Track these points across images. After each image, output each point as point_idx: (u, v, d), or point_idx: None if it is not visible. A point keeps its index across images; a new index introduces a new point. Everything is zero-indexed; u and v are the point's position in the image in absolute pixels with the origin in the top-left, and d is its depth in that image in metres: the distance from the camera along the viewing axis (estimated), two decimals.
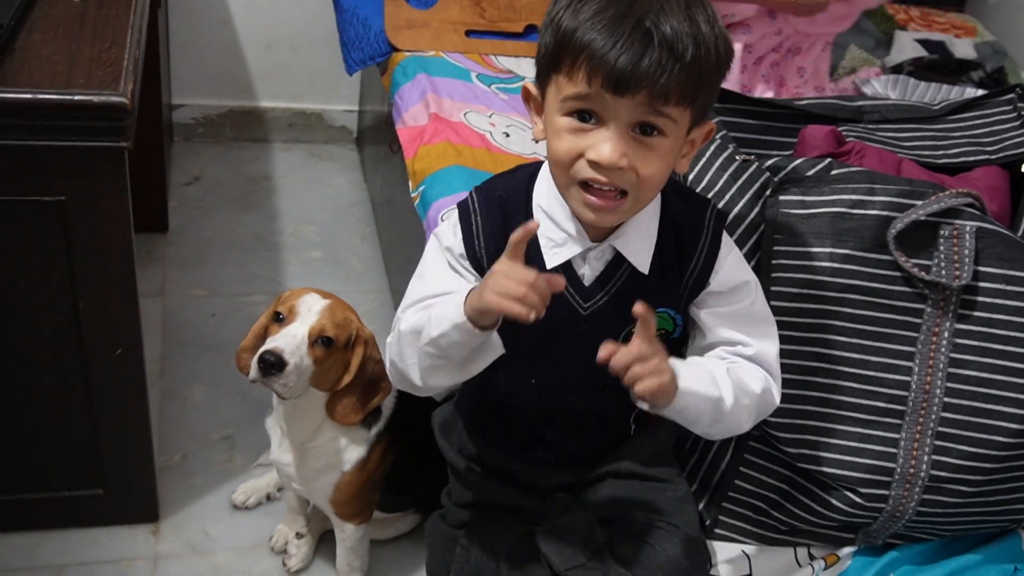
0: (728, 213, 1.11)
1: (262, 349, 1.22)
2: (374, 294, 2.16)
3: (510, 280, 0.87)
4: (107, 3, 1.33)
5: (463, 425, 1.21)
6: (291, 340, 1.23)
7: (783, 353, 1.10)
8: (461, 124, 1.78)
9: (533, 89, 0.97)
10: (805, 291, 1.12)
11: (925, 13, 2.47)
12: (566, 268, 1.00)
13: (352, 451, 1.38)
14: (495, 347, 0.97)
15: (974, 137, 1.34)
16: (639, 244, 0.99)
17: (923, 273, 1.10)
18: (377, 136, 2.36)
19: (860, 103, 1.40)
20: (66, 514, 1.58)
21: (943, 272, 1.10)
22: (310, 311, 1.27)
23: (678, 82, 0.87)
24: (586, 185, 0.92)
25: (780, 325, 1.10)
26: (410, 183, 1.72)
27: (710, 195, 1.18)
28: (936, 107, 1.39)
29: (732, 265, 1.03)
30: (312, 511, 1.62)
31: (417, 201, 1.67)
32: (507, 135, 1.79)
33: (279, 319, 1.28)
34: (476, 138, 1.75)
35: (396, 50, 2.00)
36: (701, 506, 1.26)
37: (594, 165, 0.90)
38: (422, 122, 1.79)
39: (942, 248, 1.10)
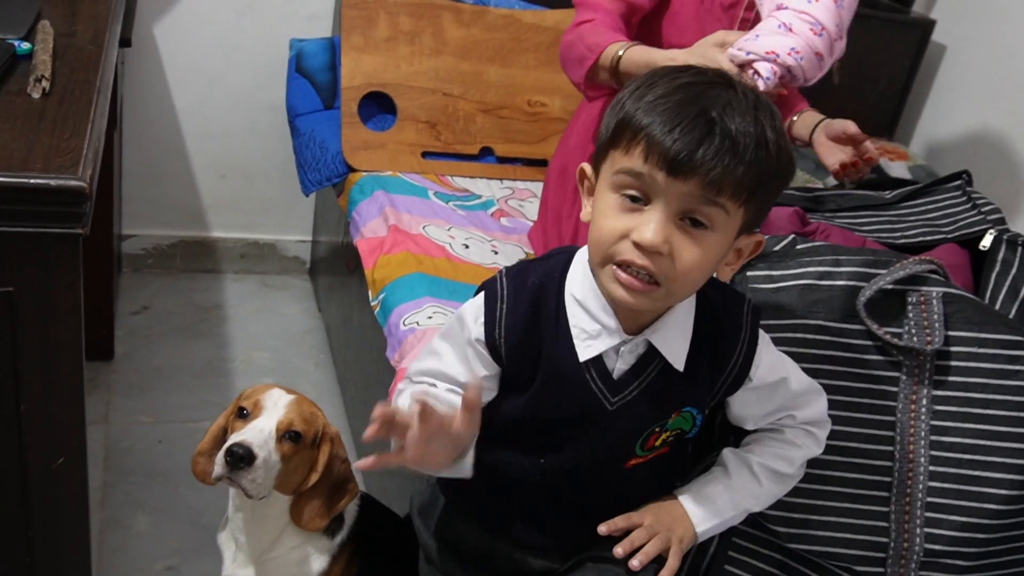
0: (760, 309, 1.10)
1: (229, 442, 1.16)
2: (331, 420, 2.08)
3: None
4: (67, 100, 1.32)
5: (444, 502, 1.15)
6: (259, 434, 1.17)
7: None
8: (420, 236, 1.78)
9: (588, 170, 0.96)
10: None
11: None
12: (596, 361, 0.97)
13: (314, 563, 1.29)
14: (465, 470, 0.98)
15: (928, 220, 1.38)
16: (675, 339, 0.97)
17: (896, 340, 1.10)
18: (331, 266, 2.35)
19: (816, 193, 1.44)
20: None
21: (914, 338, 1.10)
22: (276, 405, 1.22)
23: (734, 176, 0.85)
24: (621, 265, 0.89)
25: None
26: (370, 292, 1.70)
27: None
28: (888, 195, 1.44)
29: (770, 359, 1.02)
30: None
31: (377, 309, 1.65)
32: (466, 247, 1.80)
33: (243, 415, 1.22)
34: (436, 248, 1.75)
35: (353, 171, 2.02)
36: None
37: (635, 246, 0.87)
38: (381, 234, 1.79)
39: (911, 315, 1.11)
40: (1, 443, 1.27)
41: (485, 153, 2.15)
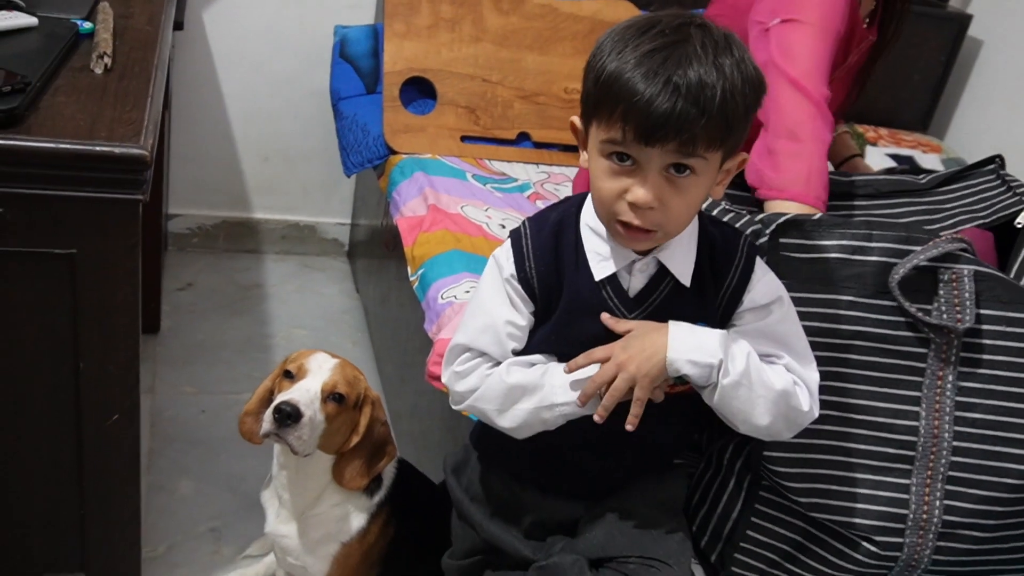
0: (760, 248, 1.14)
1: (277, 400, 1.21)
2: None
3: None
4: (127, 76, 1.38)
5: (477, 456, 1.21)
6: (305, 393, 1.23)
7: None
8: (459, 215, 1.83)
9: (579, 123, 1.03)
10: (811, 337, 1.13)
11: (893, 132, 2.61)
12: (612, 281, 1.04)
13: (353, 520, 1.34)
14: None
15: (965, 206, 1.40)
16: (682, 258, 1.04)
17: (926, 317, 1.12)
18: (370, 248, 2.40)
19: (852, 178, 1.46)
20: None
21: (944, 316, 1.12)
22: (321, 368, 1.27)
23: (704, 131, 0.92)
24: (622, 222, 0.99)
25: None
26: (409, 268, 1.75)
27: None
28: (923, 180, 1.46)
29: (765, 284, 1.06)
30: None
31: (416, 284, 1.70)
32: (503, 227, 1.84)
33: (289, 376, 1.27)
34: (473, 228, 1.80)
35: (394, 153, 2.07)
36: (713, 558, 1.23)
37: (632, 204, 0.96)
38: (420, 213, 1.84)
39: (942, 293, 1.13)
40: (59, 399, 1.34)
41: (522, 138, 2.19)
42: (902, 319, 1.14)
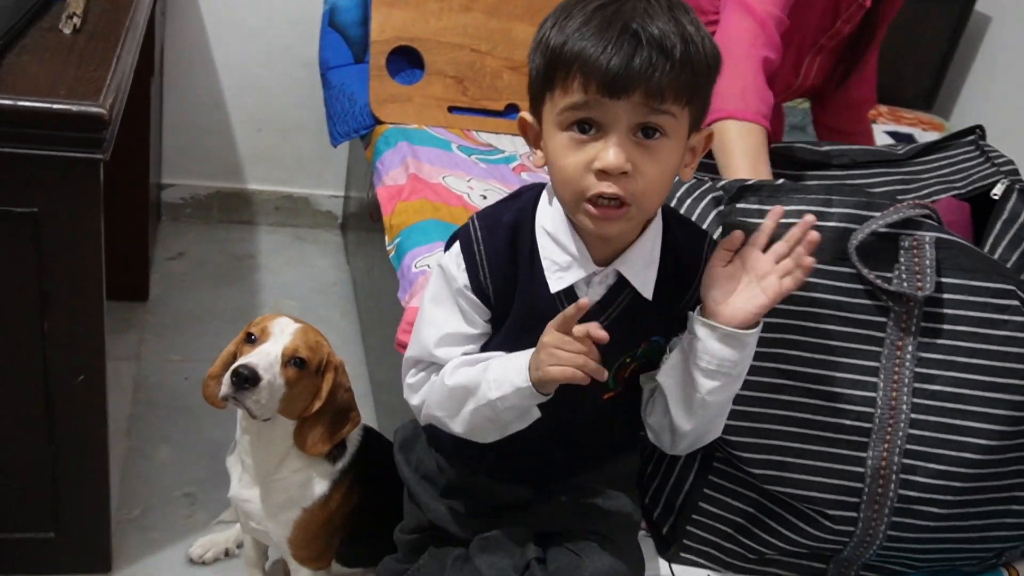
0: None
1: (236, 363, 1.21)
2: (350, 367, 2.13)
3: (565, 351, 0.90)
4: (96, 37, 1.39)
5: (425, 438, 1.18)
6: (265, 357, 1.22)
7: None
8: (439, 185, 1.82)
9: (529, 118, 0.97)
10: None
11: (893, 110, 2.57)
12: (570, 295, 0.99)
13: (316, 486, 1.34)
14: (534, 413, 0.99)
15: (942, 177, 1.37)
16: (643, 269, 0.99)
17: (886, 284, 1.10)
18: (360, 220, 2.40)
19: (827, 148, 1.44)
20: (14, 557, 1.51)
21: (904, 284, 1.10)
22: (283, 332, 1.27)
23: (671, 79, 0.87)
24: (592, 200, 0.91)
25: None
26: (386, 238, 1.74)
27: None
28: (900, 150, 1.43)
29: None
30: (270, 568, 1.56)
31: (392, 254, 1.69)
32: (484, 197, 1.83)
33: (251, 340, 1.27)
34: (454, 198, 1.79)
35: (380, 123, 2.07)
36: (665, 530, 1.22)
37: (601, 174, 0.89)
38: (400, 182, 1.83)
39: (903, 260, 1.11)
40: (26, 359, 1.34)
41: (511, 110, 2.17)
42: (861, 287, 1.12)
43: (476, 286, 1.00)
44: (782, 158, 1.41)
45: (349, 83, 2.13)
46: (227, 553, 1.62)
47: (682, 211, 1.18)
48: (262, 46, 2.41)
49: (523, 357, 0.95)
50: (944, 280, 1.11)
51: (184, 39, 2.36)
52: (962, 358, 1.11)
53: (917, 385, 1.12)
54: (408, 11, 2.09)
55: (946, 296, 1.11)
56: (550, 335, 0.91)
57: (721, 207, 1.14)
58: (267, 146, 2.55)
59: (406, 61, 2.13)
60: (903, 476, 1.12)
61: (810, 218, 0.98)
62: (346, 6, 2.20)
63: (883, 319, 1.12)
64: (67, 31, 1.37)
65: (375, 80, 2.07)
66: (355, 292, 2.41)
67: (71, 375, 1.37)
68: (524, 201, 1.02)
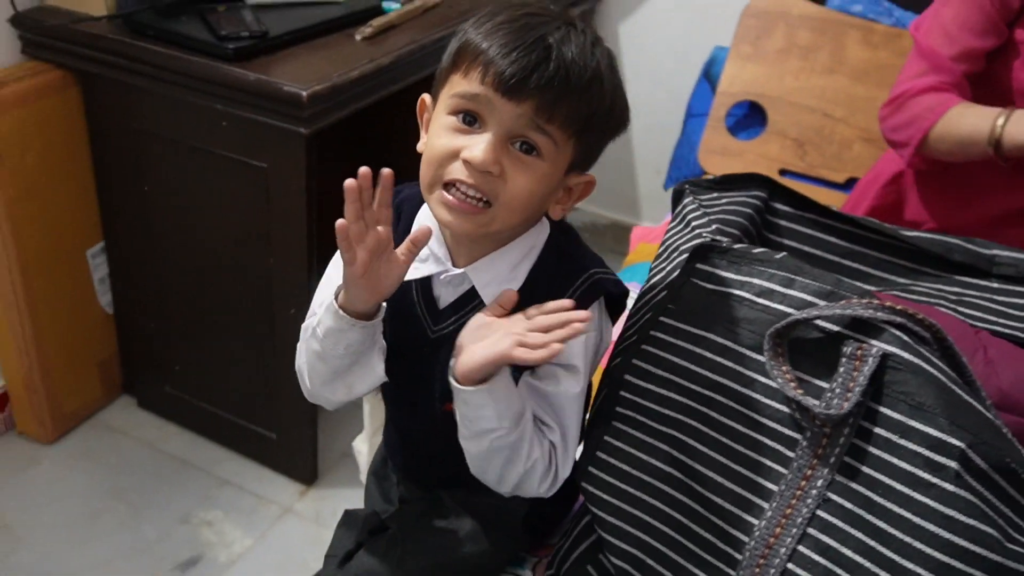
0: (620, 292, 0.99)
1: None
2: None
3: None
4: (374, 44, 1.71)
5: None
6: None
7: (632, 441, 0.97)
8: None
9: (428, 101, 0.97)
10: (673, 378, 0.94)
11: None
12: (426, 289, 0.98)
13: None
14: (374, 368, 0.96)
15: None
16: (496, 280, 0.95)
17: (798, 391, 0.86)
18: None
19: (994, 251, 1.08)
20: (249, 442, 1.94)
21: (832, 399, 0.84)
22: None
23: (566, 104, 0.86)
24: (449, 186, 0.90)
25: (637, 410, 0.97)
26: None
27: (656, 266, 1.07)
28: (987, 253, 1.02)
29: (579, 343, 0.93)
30: None
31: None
32: None
33: None
34: None
35: (706, 174, 2.05)
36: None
37: (466, 165, 0.88)
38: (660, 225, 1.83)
39: (841, 370, 0.85)
40: (257, 290, 1.74)
41: (851, 183, 1.95)
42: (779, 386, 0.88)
43: None
44: (932, 259, 1.09)
45: (699, 132, 2.15)
46: None
47: (670, 267, 1.04)
48: (671, 91, 2.48)
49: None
50: (881, 410, 0.82)
51: None
52: (872, 517, 0.81)
53: (809, 530, 0.84)
54: (765, 67, 2.03)
55: (877, 431, 0.82)
56: None
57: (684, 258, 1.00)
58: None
59: (758, 119, 2.07)
60: None
61: (568, 303, 0.87)
62: (723, 59, 2.21)
63: (797, 436, 0.87)
64: (358, 38, 1.72)
65: (710, 130, 2.06)
66: None
67: (287, 306, 1.73)
68: (418, 187, 1.01)
